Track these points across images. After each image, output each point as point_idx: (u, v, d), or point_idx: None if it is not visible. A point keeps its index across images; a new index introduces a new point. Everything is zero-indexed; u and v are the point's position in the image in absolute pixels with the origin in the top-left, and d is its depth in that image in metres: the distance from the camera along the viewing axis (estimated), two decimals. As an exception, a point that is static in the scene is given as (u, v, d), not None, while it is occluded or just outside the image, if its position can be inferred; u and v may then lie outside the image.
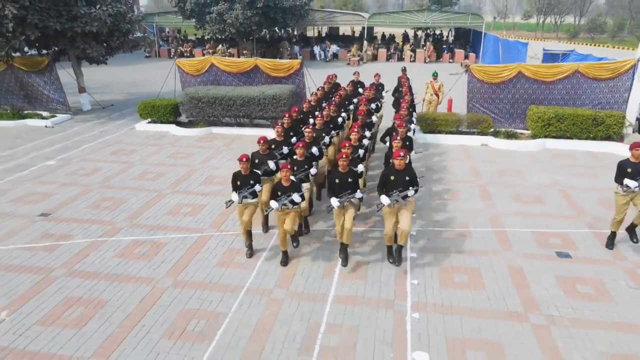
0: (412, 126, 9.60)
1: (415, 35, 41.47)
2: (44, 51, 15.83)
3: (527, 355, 5.11)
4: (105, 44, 16.02)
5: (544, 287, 6.33)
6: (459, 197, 9.30)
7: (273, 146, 7.68)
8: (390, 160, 7.24)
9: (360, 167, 7.06)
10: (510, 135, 12.88)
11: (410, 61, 32.22)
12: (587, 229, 7.96)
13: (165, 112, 14.13)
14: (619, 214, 7.12)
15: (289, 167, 6.48)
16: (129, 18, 15.95)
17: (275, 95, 13.09)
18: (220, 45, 33.48)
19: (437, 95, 14.23)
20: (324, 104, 10.51)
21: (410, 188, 6.36)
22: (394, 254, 6.78)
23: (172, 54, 35.01)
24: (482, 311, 5.84)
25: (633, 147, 6.93)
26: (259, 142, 7.31)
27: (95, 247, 7.33)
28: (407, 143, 8.01)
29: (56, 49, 15.79)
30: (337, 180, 6.44)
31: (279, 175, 7.23)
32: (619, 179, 7.04)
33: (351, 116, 10.98)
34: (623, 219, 7.14)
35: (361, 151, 7.79)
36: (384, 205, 6.37)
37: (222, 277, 6.56)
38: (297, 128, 8.54)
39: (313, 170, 7.27)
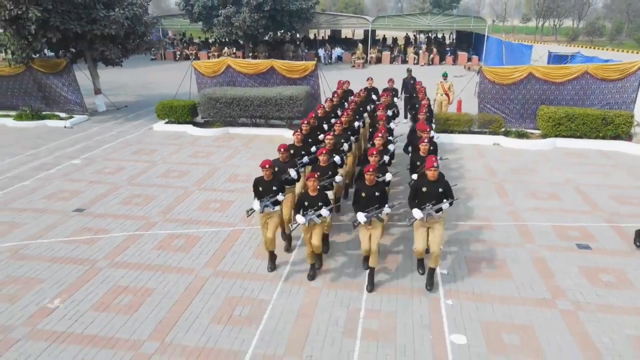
0: (433, 133, 9.35)
1: (415, 38, 41.91)
2: (62, 53, 16.08)
3: (558, 338, 5.41)
4: (120, 46, 16.31)
5: (568, 276, 6.64)
6: (477, 194, 9.61)
7: (292, 151, 7.56)
8: (416, 166, 7.27)
9: (389, 176, 6.94)
10: (521, 135, 13.21)
11: (414, 64, 32.59)
12: (604, 223, 8.27)
13: (183, 112, 14.42)
14: None
15: (316, 175, 6.20)
16: (145, 21, 16.26)
17: (292, 96, 13.40)
18: (226, 48, 33.83)
19: (447, 95, 14.59)
20: (338, 111, 10.61)
21: (445, 200, 6.04)
22: (426, 277, 6.39)
23: (178, 56, 35.38)
24: (512, 298, 6.14)
25: None
26: (279, 150, 7.04)
27: (133, 240, 7.60)
28: (432, 148, 7.78)
29: (73, 50, 16.07)
30: (363, 194, 6.09)
31: (299, 185, 7.31)
32: None
33: (366, 123, 11.21)
34: None
35: (386, 157, 7.62)
36: (416, 219, 6.04)
37: (259, 268, 6.84)
38: (314, 135, 8.54)
39: (338, 178, 7.09)
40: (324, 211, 6.08)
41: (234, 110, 13.82)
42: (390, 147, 8.13)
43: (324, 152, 6.97)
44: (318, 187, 6.23)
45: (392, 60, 33.68)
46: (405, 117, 14.56)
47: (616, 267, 6.85)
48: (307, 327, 5.56)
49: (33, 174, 10.59)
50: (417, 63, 32.66)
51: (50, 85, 15.80)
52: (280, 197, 6.39)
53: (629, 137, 12.73)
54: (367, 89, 12.62)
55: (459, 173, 10.83)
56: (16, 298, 6.03)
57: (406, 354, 5.15)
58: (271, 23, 28.47)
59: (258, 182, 6.50)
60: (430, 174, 6.06)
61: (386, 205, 6.10)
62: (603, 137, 12.70)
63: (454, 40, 42.76)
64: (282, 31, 32.13)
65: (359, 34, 43.25)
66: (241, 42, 33.66)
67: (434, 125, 10.59)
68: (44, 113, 15.59)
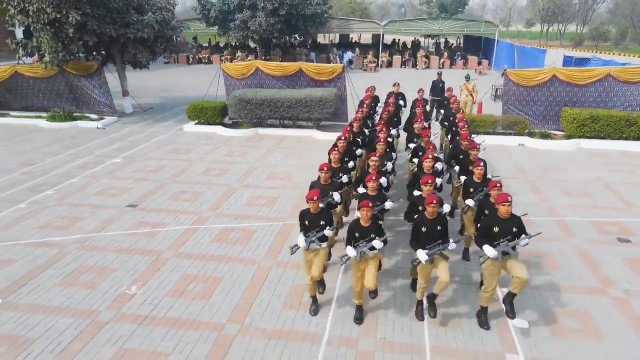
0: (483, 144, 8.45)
1: (419, 42, 42.33)
2: (93, 56, 16.45)
3: (614, 323, 5.72)
4: (149, 50, 16.67)
5: (613, 267, 6.96)
6: (511, 191, 9.89)
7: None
8: (470, 192, 6.63)
9: (447, 207, 6.03)
10: (545, 136, 13.56)
11: (424, 68, 33.00)
12: (640, 219, 8.62)
13: (214, 114, 14.78)
14: None
15: (370, 204, 5.43)
16: (173, 25, 16.66)
17: (322, 98, 13.75)
18: (239, 52, 34.30)
19: (472, 95, 14.99)
20: (368, 122, 10.20)
21: (524, 236, 5.38)
22: (508, 306, 5.60)
23: (191, 60, 35.84)
24: (564, 287, 6.45)
25: None
26: (322, 169, 6.45)
27: (191, 233, 7.93)
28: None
29: (104, 53, 16.45)
30: (424, 229, 5.41)
31: (339, 210, 6.95)
32: None
33: (400, 134, 10.71)
34: None
35: (439, 180, 6.77)
36: (488, 258, 5.33)
37: (317, 259, 7.15)
38: (350, 151, 8.06)
39: (389, 205, 6.34)
40: (377, 242, 5.39)
41: (264, 111, 14.17)
42: (439, 165, 7.44)
43: (373, 178, 6.30)
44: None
45: (403, 64, 34.12)
46: (429, 119, 14.86)
47: (659, 260, 7.17)
48: (376, 313, 5.87)
49: (79, 172, 10.92)
50: (428, 67, 33.10)
51: (82, 88, 16.16)
52: (328, 232, 5.67)
53: (651, 138, 13.08)
54: (395, 94, 12.12)
55: (490, 171, 11.13)
56: (95, 285, 6.36)
57: (474, 337, 5.46)
58: (286, 27, 28.91)
59: (304, 216, 5.78)
60: (504, 210, 5.28)
61: (451, 241, 5.45)
62: (626, 138, 13.03)
63: (462, 45, 43.29)
64: (296, 35, 32.51)
65: (366, 39, 43.77)
66: (252, 46, 34.18)
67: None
68: (75, 115, 15.95)
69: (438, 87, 15.11)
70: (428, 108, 12.69)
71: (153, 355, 5.10)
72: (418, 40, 43.90)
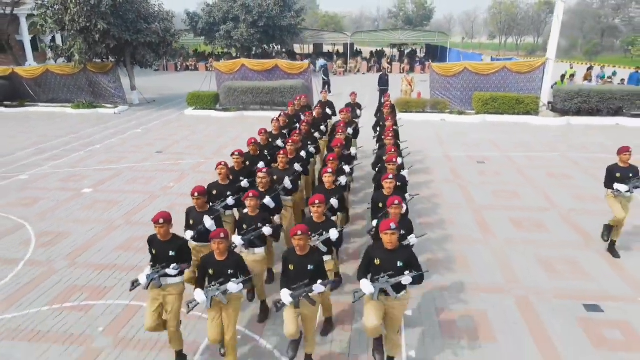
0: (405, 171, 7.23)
1: (383, 51, 47.42)
2: (108, 57, 20.41)
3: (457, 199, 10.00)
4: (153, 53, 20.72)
5: (470, 175, 11.29)
6: (426, 147, 14.26)
7: (214, 192, 6.22)
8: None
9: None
10: (461, 113, 18.07)
11: (389, 72, 37.68)
12: (498, 153, 13.05)
13: (208, 100, 18.91)
14: (619, 213, 6.72)
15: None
16: (172, 32, 20.77)
17: (292, 86, 18.03)
18: (223, 60, 38.46)
19: (410, 85, 19.49)
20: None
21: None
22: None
23: (179, 67, 39.82)
24: (434, 194, 10.73)
25: (621, 151, 6.68)
26: (192, 194, 5.39)
27: (202, 163, 12.02)
28: (399, 184, 6.26)
29: (116, 57, 20.42)
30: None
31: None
32: (608, 184, 6.83)
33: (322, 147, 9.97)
34: (624, 219, 6.79)
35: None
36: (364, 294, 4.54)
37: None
38: (244, 171, 7.12)
39: (267, 230, 5.23)
40: (232, 285, 4.35)
41: (247, 97, 18.35)
42: (343, 179, 6.62)
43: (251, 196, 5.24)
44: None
45: (369, 70, 38.80)
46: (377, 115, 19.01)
47: (510, 183, 11.54)
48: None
49: (113, 137, 14.90)
50: (391, 72, 37.83)
51: (99, 83, 20.07)
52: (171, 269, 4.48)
53: (536, 113, 17.69)
54: (322, 102, 11.72)
55: (416, 137, 15.50)
56: (148, 184, 10.39)
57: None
58: (264, 37, 33.25)
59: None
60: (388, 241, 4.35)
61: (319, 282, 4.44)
62: (517, 113, 17.62)
63: (424, 53, 48.51)
64: (273, 44, 36.85)
65: (336, 49, 48.53)
66: (234, 54, 38.43)
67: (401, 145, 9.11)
68: (94, 104, 19.84)
69: (384, 79, 19.64)
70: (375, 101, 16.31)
71: (191, 205, 9.15)
72: (382, 49, 49.00)
